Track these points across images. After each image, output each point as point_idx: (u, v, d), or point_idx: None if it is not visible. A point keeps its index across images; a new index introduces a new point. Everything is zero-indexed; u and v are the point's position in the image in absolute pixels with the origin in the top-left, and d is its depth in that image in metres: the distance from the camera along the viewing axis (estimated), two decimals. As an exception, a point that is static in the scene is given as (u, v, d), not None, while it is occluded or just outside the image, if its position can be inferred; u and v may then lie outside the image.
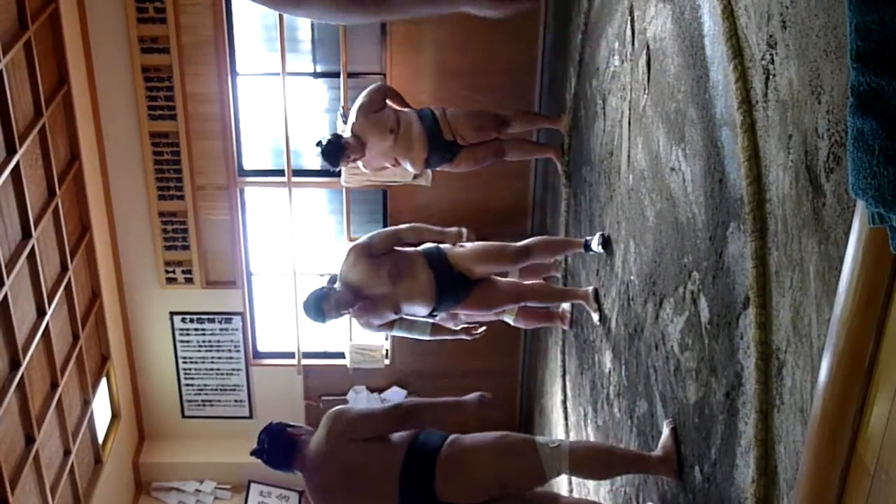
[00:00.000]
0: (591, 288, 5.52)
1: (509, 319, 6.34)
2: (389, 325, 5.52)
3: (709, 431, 3.43)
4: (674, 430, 3.88)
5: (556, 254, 5.99)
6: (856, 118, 1.75)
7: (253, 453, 4.08)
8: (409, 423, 4.13)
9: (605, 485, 5.17)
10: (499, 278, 5.67)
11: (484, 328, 5.86)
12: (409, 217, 8.10)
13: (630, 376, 4.62)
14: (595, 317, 5.40)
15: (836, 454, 2.24)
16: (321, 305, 5.19)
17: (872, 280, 2.03)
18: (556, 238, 6.32)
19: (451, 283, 5.39)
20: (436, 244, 5.50)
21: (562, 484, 6.43)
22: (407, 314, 5.47)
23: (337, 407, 4.18)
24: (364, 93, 6.50)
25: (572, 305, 6.15)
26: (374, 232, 5.45)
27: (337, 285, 5.28)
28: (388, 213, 8.19)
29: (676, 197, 3.77)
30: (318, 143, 6.36)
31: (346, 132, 6.41)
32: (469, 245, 5.54)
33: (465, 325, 5.79)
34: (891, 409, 2.05)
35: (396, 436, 4.12)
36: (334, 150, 6.31)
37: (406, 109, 6.57)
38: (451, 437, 4.12)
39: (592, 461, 4.05)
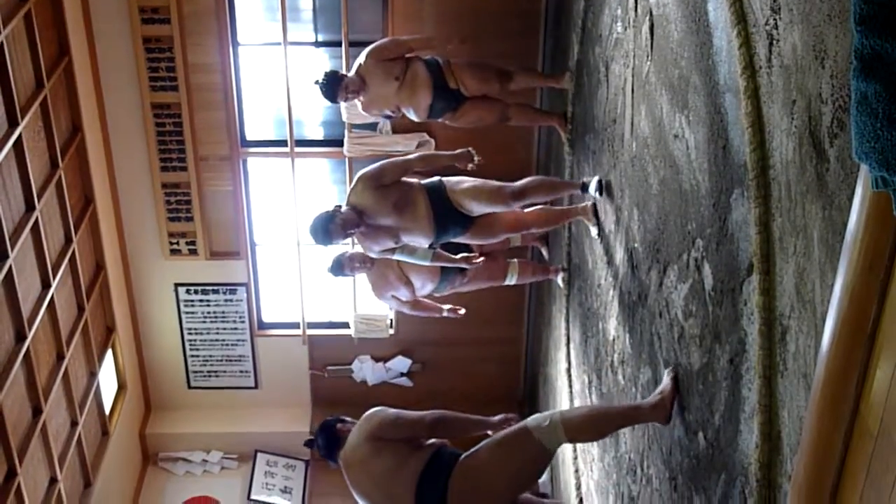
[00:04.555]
0: (589, 203, 5.57)
1: (511, 280, 6.69)
2: (391, 251, 5.64)
3: (712, 398, 3.44)
4: (674, 379, 3.89)
5: (553, 194, 6.06)
6: (859, 81, 1.75)
7: (305, 444, 4.68)
8: (436, 431, 4.31)
9: (609, 451, 5.19)
10: (502, 215, 5.90)
11: (482, 259, 6.04)
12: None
13: (634, 343, 4.63)
14: (594, 231, 5.47)
15: (839, 417, 2.25)
16: (328, 227, 5.29)
17: (876, 244, 2.03)
18: (554, 179, 6.36)
19: (450, 219, 5.60)
20: (438, 178, 5.68)
21: (566, 455, 6.47)
22: (407, 243, 5.63)
23: (375, 408, 4.42)
24: (383, 40, 6.46)
25: (568, 262, 6.25)
26: (385, 161, 5.51)
27: (343, 208, 5.37)
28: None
29: (680, 164, 3.76)
30: (317, 81, 6.31)
31: (351, 72, 6.37)
32: (468, 182, 5.70)
33: (465, 255, 5.93)
34: (894, 372, 2.05)
35: (422, 446, 4.27)
36: (332, 85, 6.23)
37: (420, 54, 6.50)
38: (463, 456, 4.16)
39: (587, 426, 4.12)
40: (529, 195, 5.73)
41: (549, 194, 5.99)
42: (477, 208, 5.70)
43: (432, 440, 4.34)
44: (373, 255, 5.75)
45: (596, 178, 5.28)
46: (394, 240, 5.52)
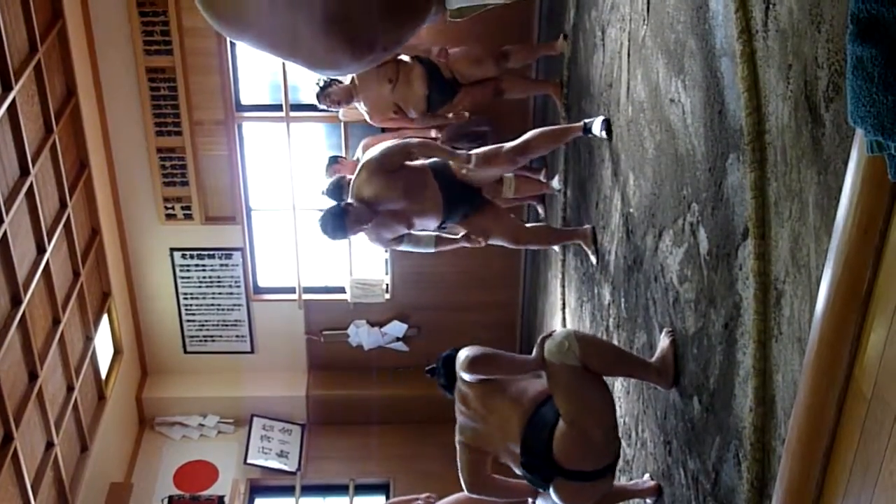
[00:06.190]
0: (588, 227, 5.53)
1: (509, 193, 6.69)
2: (398, 240, 5.56)
3: (707, 362, 3.46)
4: (673, 342, 3.88)
5: (556, 143, 5.84)
6: (855, 46, 1.74)
7: (427, 371, 4.41)
8: (514, 369, 4.11)
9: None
10: (508, 214, 5.82)
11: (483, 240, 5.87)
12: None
13: (629, 308, 4.64)
14: (593, 258, 5.43)
15: (833, 381, 2.26)
16: (342, 222, 5.18)
17: (870, 208, 2.04)
18: (553, 127, 6.23)
19: (460, 197, 5.47)
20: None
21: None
22: (418, 229, 5.54)
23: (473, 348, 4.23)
24: None
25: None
26: (384, 146, 5.42)
27: (351, 201, 5.29)
28: (386, 148, 8.16)
29: (676, 128, 3.76)
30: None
31: (346, 79, 6.48)
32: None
33: (467, 233, 5.75)
34: (888, 336, 2.06)
35: (525, 394, 4.09)
36: (319, 91, 6.53)
37: (406, 58, 6.53)
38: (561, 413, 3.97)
39: (600, 347, 4.05)
40: (532, 148, 5.52)
41: (551, 143, 5.75)
42: (484, 176, 5.52)
43: (536, 392, 4.19)
44: (382, 246, 5.69)
45: (600, 118, 5.11)
46: (406, 224, 5.42)
